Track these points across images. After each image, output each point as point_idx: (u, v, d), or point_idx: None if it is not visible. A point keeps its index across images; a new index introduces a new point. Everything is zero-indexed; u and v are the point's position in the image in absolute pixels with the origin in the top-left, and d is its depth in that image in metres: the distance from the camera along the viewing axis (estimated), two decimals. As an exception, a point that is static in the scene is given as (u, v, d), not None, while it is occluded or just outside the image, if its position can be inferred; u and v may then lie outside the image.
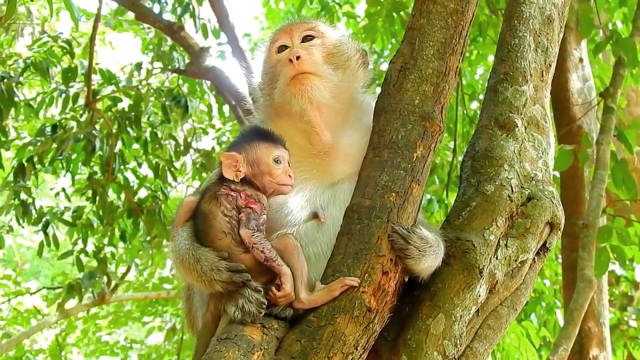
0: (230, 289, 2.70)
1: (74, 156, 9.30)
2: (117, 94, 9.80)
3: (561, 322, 8.05)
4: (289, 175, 2.93)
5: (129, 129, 9.53)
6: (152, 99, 9.95)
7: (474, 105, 10.57)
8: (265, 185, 2.91)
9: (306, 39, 3.28)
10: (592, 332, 7.15)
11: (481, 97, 10.29)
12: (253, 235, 2.73)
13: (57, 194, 10.40)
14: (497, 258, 2.97)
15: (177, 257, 2.79)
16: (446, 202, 8.85)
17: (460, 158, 8.86)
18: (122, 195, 9.86)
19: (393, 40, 9.10)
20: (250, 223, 2.76)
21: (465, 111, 9.27)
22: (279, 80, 3.17)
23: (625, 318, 9.76)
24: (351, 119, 3.24)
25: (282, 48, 3.28)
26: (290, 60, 3.12)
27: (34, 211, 9.40)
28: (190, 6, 9.65)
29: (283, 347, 2.67)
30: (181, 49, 10.42)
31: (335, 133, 3.19)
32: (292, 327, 2.73)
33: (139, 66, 10.07)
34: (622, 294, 10.41)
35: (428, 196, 9.71)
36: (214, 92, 10.85)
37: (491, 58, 10.60)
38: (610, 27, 8.08)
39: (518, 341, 8.16)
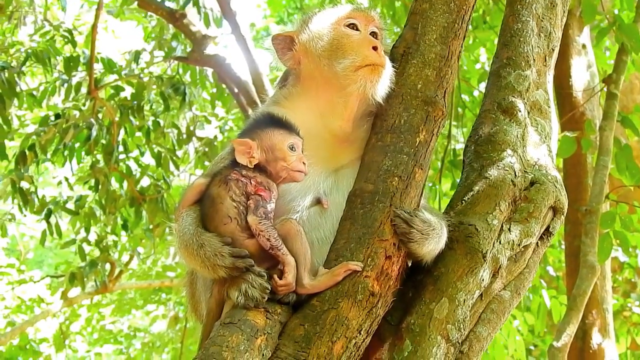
0: (233, 275, 2.70)
1: (77, 145, 9.30)
2: (119, 83, 9.79)
3: (548, 303, 8.00)
4: (303, 162, 2.91)
5: (131, 117, 9.53)
6: (154, 87, 9.92)
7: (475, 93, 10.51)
8: (279, 172, 2.88)
9: (372, 34, 3.19)
10: (595, 318, 7.15)
11: (483, 85, 10.24)
12: (260, 223, 2.72)
13: (60, 182, 10.42)
14: (500, 242, 2.97)
15: (181, 242, 2.80)
16: (437, 187, 8.75)
17: (453, 145, 8.84)
18: (125, 184, 9.87)
19: (397, 29, 9.05)
20: (258, 210, 2.75)
21: (461, 97, 9.18)
22: (349, 56, 3.04)
23: (629, 304, 9.78)
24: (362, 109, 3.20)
25: (352, 26, 3.17)
26: (375, 48, 3.03)
27: (36, 200, 9.41)
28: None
29: (286, 331, 2.68)
30: (183, 36, 10.39)
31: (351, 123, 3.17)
32: (295, 311, 2.73)
33: (139, 53, 10.03)
34: (625, 280, 10.43)
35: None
36: (215, 80, 10.80)
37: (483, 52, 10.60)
38: (616, 12, 8.01)
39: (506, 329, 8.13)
